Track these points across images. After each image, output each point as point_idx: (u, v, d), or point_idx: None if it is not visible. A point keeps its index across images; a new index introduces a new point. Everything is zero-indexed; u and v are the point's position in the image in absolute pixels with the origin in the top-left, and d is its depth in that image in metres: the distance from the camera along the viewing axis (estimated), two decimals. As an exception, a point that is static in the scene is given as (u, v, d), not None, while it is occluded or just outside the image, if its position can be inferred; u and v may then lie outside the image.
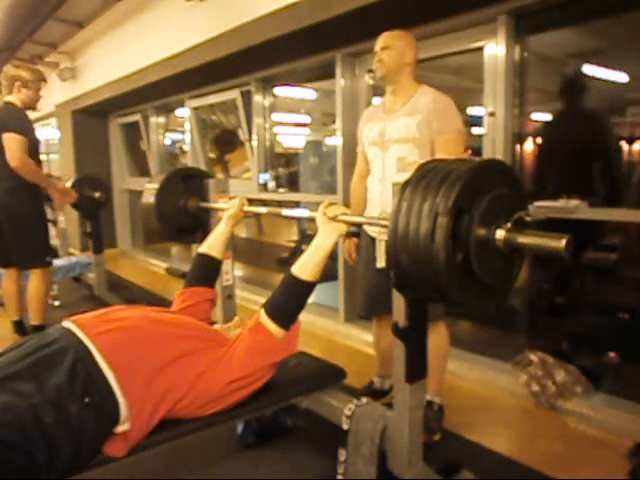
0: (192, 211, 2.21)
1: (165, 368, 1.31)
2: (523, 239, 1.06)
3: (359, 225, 2.11)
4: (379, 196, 2.02)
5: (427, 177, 1.08)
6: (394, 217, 1.09)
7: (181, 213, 2.20)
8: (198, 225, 2.25)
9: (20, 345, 1.30)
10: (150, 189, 2.16)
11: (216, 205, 2.13)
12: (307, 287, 1.46)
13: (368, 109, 2.22)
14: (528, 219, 1.10)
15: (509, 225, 1.07)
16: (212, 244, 1.86)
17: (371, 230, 2.08)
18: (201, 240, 1.95)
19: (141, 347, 1.33)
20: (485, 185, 1.08)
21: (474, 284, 1.09)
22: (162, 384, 1.30)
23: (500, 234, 1.07)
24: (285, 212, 1.85)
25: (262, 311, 1.46)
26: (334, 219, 1.49)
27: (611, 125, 2.52)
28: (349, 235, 2.18)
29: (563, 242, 1.00)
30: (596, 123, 2.52)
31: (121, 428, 1.24)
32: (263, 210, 2.10)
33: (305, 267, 1.45)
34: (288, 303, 1.47)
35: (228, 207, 1.93)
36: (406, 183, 1.11)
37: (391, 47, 1.93)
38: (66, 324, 1.36)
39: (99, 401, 1.21)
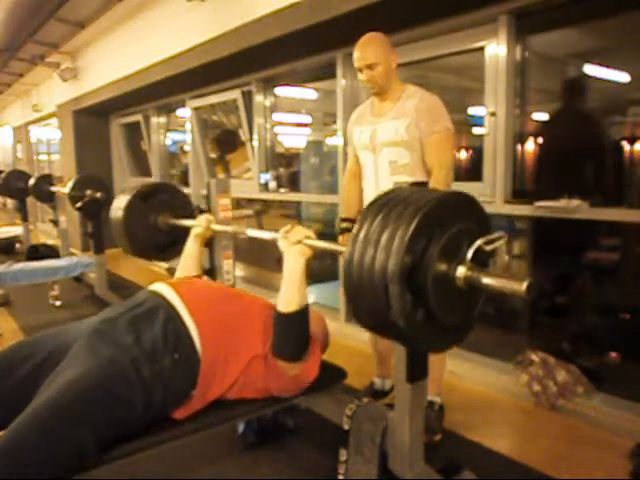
0: (164, 228, 2.15)
1: (236, 340, 1.43)
2: (485, 279, 1.00)
3: (346, 230, 2.15)
4: None
5: (388, 205, 1.03)
6: (351, 245, 1.03)
7: (152, 230, 2.14)
8: (174, 240, 2.18)
9: (112, 307, 1.49)
10: (117, 208, 2.11)
11: (185, 222, 2.07)
12: (298, 316, 1.43)
13: (357, 109, 2.18)
14: (489, 248, 1.03)
15: (469, 259, 1.01)
16: (184, 267, 1.90)
17: None
18: (178, 254, 1.94)
19: (221, 315, 1.46)
20: (446, 219, 1.02)
21: (431, 323, 1.03)
22: (229, 356, 1.41)
23: (461, 272, 1.02)
24: (250, 232, 1.82)
25: (270, 351, 1.47)
26: (298, 243, 1.45)
27: (610, 125, 2.52)
28: (343, 231, 2.19)
29: (524, 285, 0.95)
30: (595, 123, 2.52)
31: (194, 392, 1.35)
32: (229, 229, 2.05)
33: (286, 300, 1.43)
34: (287, 340, 1.44)
35: (196, 224, 1.93)
36: (367, 210, 1.07)
37: (378, 62, 1.88)
38: (154, 286, 1.52)
39: (185, 359, 1.32)
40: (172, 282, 1.56)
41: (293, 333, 1.44)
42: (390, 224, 0.99)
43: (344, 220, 2.21)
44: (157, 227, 2.15)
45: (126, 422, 1.23)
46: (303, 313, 1.43)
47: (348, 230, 2.17)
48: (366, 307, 1.04)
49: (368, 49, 1.90)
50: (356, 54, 1.92)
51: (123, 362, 1.25)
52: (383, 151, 1.96)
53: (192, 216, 2.14)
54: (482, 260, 1.04)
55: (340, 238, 2.23)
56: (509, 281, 0.98)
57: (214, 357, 1.37)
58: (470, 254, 1.01)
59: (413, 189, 1.15)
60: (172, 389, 1.30)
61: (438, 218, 1.01)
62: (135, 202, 2.10)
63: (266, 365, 1.45)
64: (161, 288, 1.50)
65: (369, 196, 2.07)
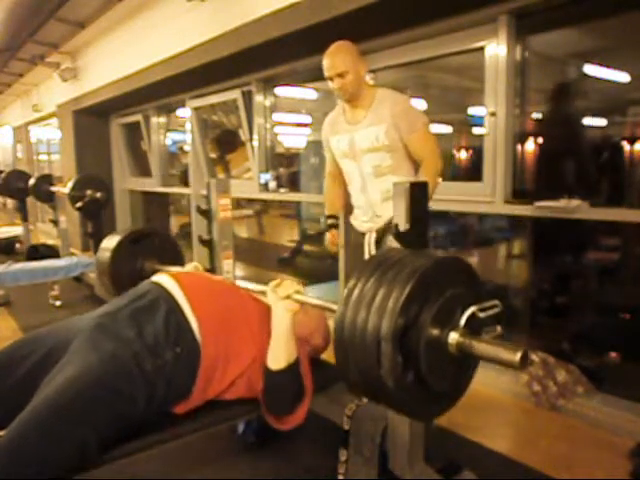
0: (150, 274, 2.10)
1: (236, 337, 1.43)
2: (477, 347, 0.98)
3: (332, 226, 2.26)
4: (366, 203, 2.07)
5: (383, 266, 1.02)
6: (344, 305, 1.02)
7: (138, 276, 2.05)
8: None
9: (114, 300, 1.48)
10: (104, 250, 2.10)
11: (172, 269, 2.00)
12: (286, 374, 1.40)
13: (329, 117, 2.21)
14: (482, 316, 1.02)
15: (462, 324, 1.00)
16: None
17: (361, 226, 2.14)
18: None
19: (221, 310, 1.45)
20: (442, 283, 1.02)
21: (421, 388, 1.01)
22: (229, 354, 1.40)
23: (453, 338, 1.00)
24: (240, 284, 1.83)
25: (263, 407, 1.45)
26: (287, 298, 1.43)
27: (610, 125, 2.53)
28: (330, 227, 2.28)
29: (518, 356, 0.92)
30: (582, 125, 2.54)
31: (194, 387, 1.34)
32: (219, 278, 2.00)
33: (274, 356, 1.41)
34: (275, 397, 1.42)
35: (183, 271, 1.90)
36: (361, 269, 1.06)
37: (348, 70, 1.91)
38: (157, 278, 1.52)
39: (186, 353, 1.32)
40: (174, 274, 1.55)
41: (282, 391, 1.41)
42: (385, 285, 0.97)
43: (330, 217, 2.29)
44: (143, 272, 2.10)
45: (129, 418, 1.22)
46: (292, 370, 1.40)
47: (334, 226, 2.27)
48: (356, 366, 1.02)
49: (337, 58, 1.93)
50: (326, 63, 1.95)
51: (125, 357, 1.24)
52: (365, 157, 1.99)
53: (180, 263, 2.14)
54: (475, 327, 1.02)
55: (328, 235, 2.29)
56: (502, 350, 0.96)
57: (214, 352, 1.37)
58: (463, 320, 1.00)
59: (406, 251, 1.14)
60: (174, 383, 1.29)
61: (433, 281, 1.00)
62: (123, 245, 2.09)
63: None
64: (163, 280, 1.49)
65: (357, 200, 2.13)
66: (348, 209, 2.28)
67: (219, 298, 1.50)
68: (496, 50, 2.36)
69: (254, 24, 2.92)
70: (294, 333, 1.43)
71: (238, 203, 5.04)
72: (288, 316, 1.41)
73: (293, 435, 1.97)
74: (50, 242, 5.62)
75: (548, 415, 2.16)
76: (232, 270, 2.27)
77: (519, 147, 2.49)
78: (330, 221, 2.28)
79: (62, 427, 1.10)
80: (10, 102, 9.37)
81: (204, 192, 2.32)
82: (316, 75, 3.67)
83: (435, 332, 0.99)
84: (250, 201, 5.20)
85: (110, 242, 2.10)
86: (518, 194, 2.43)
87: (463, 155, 3.43)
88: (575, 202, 2.13)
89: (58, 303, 4.02)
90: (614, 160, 2.56)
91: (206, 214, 2.29)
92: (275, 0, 2.72)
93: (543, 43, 2.48)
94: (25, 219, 5.46)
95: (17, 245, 6.11)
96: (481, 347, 0.98)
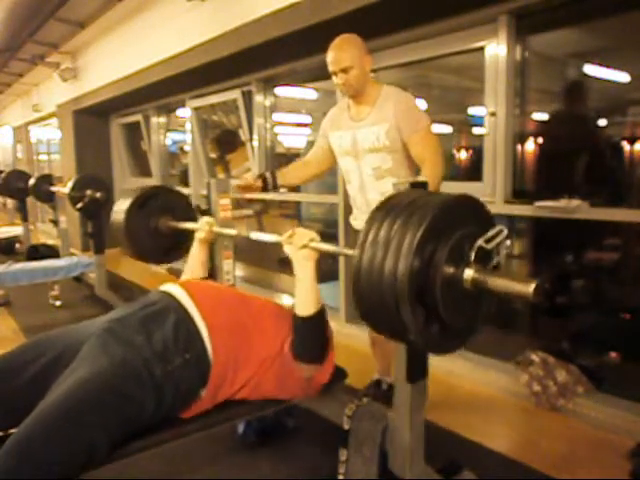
0: (165, 231, 2.13)
1: (247, 345, 1.43)
2: (492, 281, 1.01)
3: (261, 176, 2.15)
4: (364, 204, 2.04)
5: (395, 210, 1.04)
6: (360, 250, 1.04)
7: (154, 234, 2.11)
8: (177, 242, 2.17)
9: (124, 306, 1.50)
10: (118, 212, 2.11)
11: (186, 225, 2.05)
12: (316, 319, 1.44)
13: (332, 111, 2.15)
14: (489, 247, 1.05)
15: (472, 259, 1.02)
16: (191, 270, 1.86)
17: (360, 225, 2.11)
18: (182, 257, 1.91)
19: (232, 319, 1.46)
20: (453, 222, 1.04)
21: (439, 326, 1.04)
22: (239, 358, 1.41)
23: (468, 274, 1.02)
24: (253, 235, 1.82)
25: (291, 354, 1.47)
26: (304, 248, 1.45)
27: (610, 125, 2.53)
28: (260, 176, 2.16)
29: (531, 287, 0.95)
30: (594, 123, 2.53)
31: (204, 392, 1.35)
32: (232, 232, 2.00)
33: (302, 304, 1.44)
34: (307, 343, 1.46)
35: (197, 227, 1.92)
36: (373, 215, 1.08)
37: (353, 65, 1.84)
38: (166, 287, 1.53)
39: (195, 359, 1.33)
40: (183, 283, 1.56)
41: (313, 336, 1.45)
42: (398, 229, 0.99)
43: (273, 175, 2.19)
44: (159, 231, 2.13)
45: (137, 421, 1.23)
46: (321, 315, 1.45)
47: (263, 179, 2.14)
48: (376, 316, 1.05)
49: (344, 52, 1.85)
50: (331, 57, 1.87)
51: (135, 361, 1.25)
52: (366, 157, 1.96)
53: (193, 218, 2.13)
54: (485, 259, 1.05)
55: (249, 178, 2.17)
56: (516, 283, 0.98)
57: (224, 360, 1.37)
58: (473, 255, 1.02)
59: (417, 192, 1.15)
60: (182, 389, 1.30)
61: (445, 222, 1.01)
62: (134, 209, 2.10)
63: (280, 367, 1.45)
64: (173, 289, 1.50)
65: (354, 199, 2.10)
66: (348, 210, 2.26)
67: (229, 307, 1.50)
68: (496, 50, 2.37)
69: (254, 24, 2.92)
70: (316, 279, 1.46)
71: (238, 203, 5.04)
72: (309, 265, 1.45)
73: (293, 435, 1.98)
74: (50, 242, 5.62)
75: (548, 415, 2.16)
76: (232, 270, 2.27)
77: (519, 147, 2.49)
78: (267, 174, 2.16)
79: (71, 429, 1.10)
80: (10, 102, 9.38)
81: (204, 192, 2.32)
82: (316, 75, 3.69)
83: (450, 270, 1.01)
84: (250, 201, 5.20)
85: (121, 207, 2.11)
86: (518, 194, 2.43)
87: (463, 155, 3.43)
88: (575, 202, 2.13)
89: (58, 303, 4.02)
90: (614, 160, 2.56)
91: (206, 214, 2.29)
92: (275, 0, 2.72)
93: (543, 43, 2.48)
94: (25, 219, 5.45)
95: (17, 245, 6.10)
96: (495, 281, 1.01)
